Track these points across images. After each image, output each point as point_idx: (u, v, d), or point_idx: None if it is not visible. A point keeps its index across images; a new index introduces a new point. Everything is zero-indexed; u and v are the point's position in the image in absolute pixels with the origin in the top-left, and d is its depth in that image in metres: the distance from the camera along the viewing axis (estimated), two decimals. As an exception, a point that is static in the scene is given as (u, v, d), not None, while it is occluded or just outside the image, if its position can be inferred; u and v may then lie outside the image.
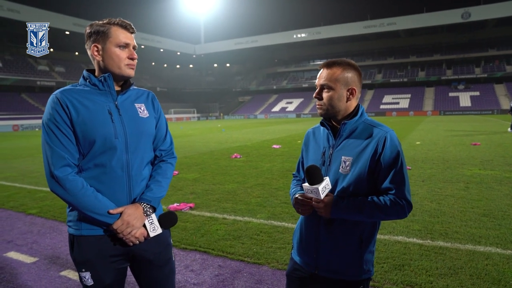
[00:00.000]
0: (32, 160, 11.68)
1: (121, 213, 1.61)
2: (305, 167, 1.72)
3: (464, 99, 55.75)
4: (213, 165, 9.66)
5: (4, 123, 39.59)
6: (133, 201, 1.68)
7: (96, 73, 1.70)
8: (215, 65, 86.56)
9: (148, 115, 1.77)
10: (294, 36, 70.02)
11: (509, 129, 18.07)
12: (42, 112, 46.68)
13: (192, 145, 15.56)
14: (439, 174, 7.57)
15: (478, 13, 55.39)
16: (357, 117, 1.63)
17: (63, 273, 3.41)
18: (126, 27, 1.67)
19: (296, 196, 1.65)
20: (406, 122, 32.07)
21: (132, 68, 1.69)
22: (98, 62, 1.66)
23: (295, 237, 1.82)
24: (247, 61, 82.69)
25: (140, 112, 1.74)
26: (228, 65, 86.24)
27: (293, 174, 1.98)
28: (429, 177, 7.24)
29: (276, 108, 66.83)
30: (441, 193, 5.92)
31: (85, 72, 1.70)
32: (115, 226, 1.59)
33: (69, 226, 1.69)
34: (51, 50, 58.48)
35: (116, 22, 1.65)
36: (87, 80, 1.68)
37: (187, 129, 30.43)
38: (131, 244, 1.64)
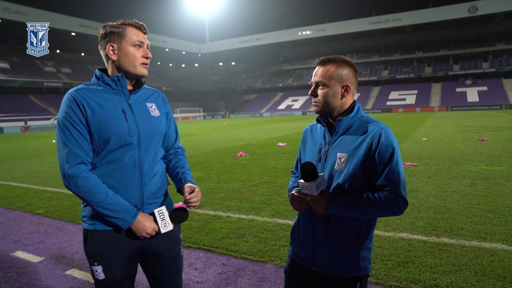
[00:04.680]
0: (39, 161, 11.80)
1: (139, 213, 1.69)
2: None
3: (472, 94, 55.18)
4: (218, 163, 9.68)
5: (12, 124, 40.03)
6: (142, 199, 1.73)
7: (110, 73, 1.74)
8: (221, 63, 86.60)
9: (159, 114, 1.83)
10: (299, 34, 69.85)
11: None
12: (49, 113, 47.17)
13: (198, 144, 15.61)
14: (445, 170, 7.51)
15: (486, 6, 54.69)
16: (352, 114, 1.62)
17: (69, 272, 3.44)
18: (139, 28, 1.72)
19: (292, 192, 1.66)
20: (412, 118, 31.84)
21: (146, 67, 1.74)
22: (114, 62, 1.70)
23: (292, 234, 1.83)
24: (252, 59, 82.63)
25: (152, 111, 1.80)
26: (233, 63, 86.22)
27: (291, 171, 1.99)
28: (435, 173, 7.18)
29: (282, 106, 66.77)
30: (447, 190, 5.87)
31: (97, 72, 1.74)
32: (191, 196, 1.74)
33: (83, 221, 1.73)
34: (58, 51, 59.02)
35: (130, 23, 1.70)
36: (100, 80, 1.72)
37: (192, 128, 30.53)
38: (143, 238, 1.69)
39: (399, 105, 57.19)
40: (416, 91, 60.44)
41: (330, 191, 1.59)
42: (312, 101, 1.68)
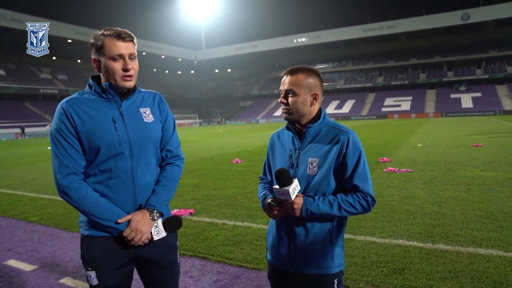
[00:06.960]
0: (34, 168, 11.71)
1: (129, 221, 1.66)
2: (273, 170, 1.82)
3: (466, 100, 55.67)
4: (214, 170, 9.66)
5: (7, 131, 39.78)
6: (139, 207, 1.72)
7: (102, 81, 1.72)
8: (216, 70, 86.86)
9: (153, 119, 1.77)
10: (295, 41, 70.34)
11: None
12: (45, 119, 46.98)
13: (193, 150, 15.57)
14: (440, 176, 7.54)
15: (478, 14, 55.49)
16: (320, 120, 1.73)
17: (62, 280, 3.40)
18: (119, 37, 1.62)
19: (268, 201, 1.72)
20: (407, 125, 32.01)
21: (128, 80, 1.66)
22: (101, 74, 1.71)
23: (268, 239, 1.88)
24: (248, 66, 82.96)
25: (145, 117, 1.75)
26: (229, 70, 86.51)
27: (260, 177, 2.04)
28: (430, 180, 7.20)
29: (278, 113, 66.86)
30: (442, 196, 5.88)
31: (90, 80, 1.73)
32: (125, 234, 1.64)
33: (80, 227, 1.75)
34: (54, 58, 58.89)
35: (109, 33, 1.61)
36: (92, 88, 1.71)
37: (188, 135, 30.48)
38: (135, 246, 1.69)
39: (394, 111, 57.56)
40: (411, 98, 60.89)
41: (304, 194, 1.65)
42: (282, 108, 1.77)
